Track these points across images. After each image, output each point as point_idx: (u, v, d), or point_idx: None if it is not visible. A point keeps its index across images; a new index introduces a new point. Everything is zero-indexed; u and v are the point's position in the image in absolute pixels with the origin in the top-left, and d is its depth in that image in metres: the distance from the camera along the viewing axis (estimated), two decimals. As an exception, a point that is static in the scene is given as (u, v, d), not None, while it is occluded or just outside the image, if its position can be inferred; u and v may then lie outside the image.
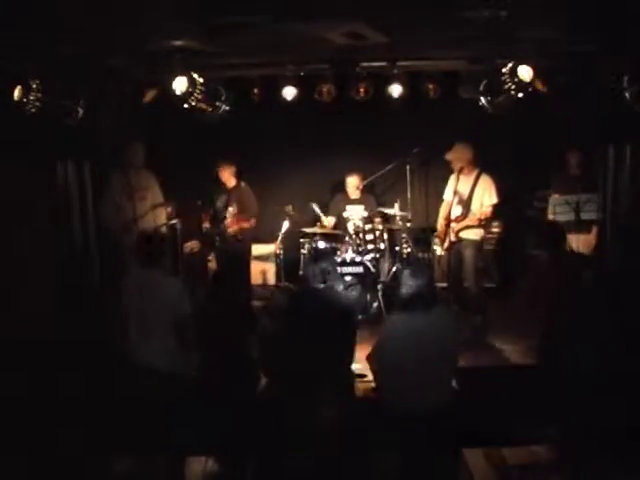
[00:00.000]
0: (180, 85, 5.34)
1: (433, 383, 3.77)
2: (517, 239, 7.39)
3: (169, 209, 6.80)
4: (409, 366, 3.74)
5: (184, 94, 5.35)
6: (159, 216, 6.36)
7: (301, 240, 7.16)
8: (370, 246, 6.78)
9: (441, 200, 6.47)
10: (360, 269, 6.54)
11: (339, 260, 6.50)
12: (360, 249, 6.71)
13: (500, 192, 6.06)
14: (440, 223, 6.38)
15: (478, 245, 6.16)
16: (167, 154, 7.07)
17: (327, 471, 3.73)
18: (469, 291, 6.17)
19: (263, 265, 7.99)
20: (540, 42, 5.04)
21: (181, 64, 5.27)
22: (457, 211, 6.15)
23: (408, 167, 6.99)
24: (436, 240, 6.99)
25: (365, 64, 6.27)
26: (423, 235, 7.59)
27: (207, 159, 6.97)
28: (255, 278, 8.00)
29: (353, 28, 4.69)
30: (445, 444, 3.84)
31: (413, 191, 7.13)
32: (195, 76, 5.37)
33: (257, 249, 7.98)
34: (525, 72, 5.05)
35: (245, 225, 6.78)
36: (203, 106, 5.78)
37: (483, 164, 6.18)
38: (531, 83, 5.10)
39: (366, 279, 6.54)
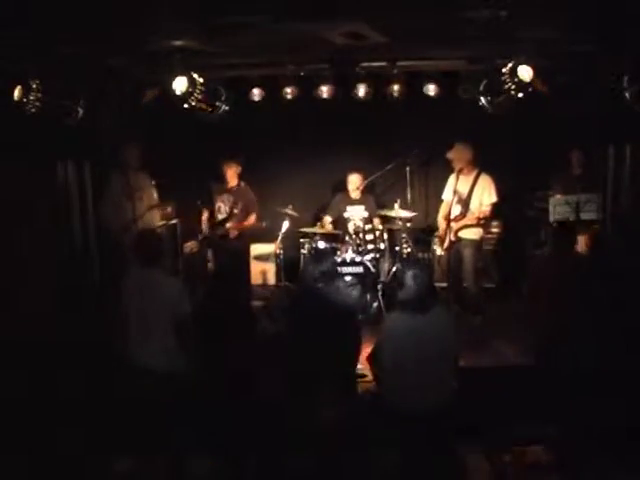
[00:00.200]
0: (180, 85, 5.34)
1: (433, 383, 3.77)
2: (517, 239, 7.40)
3: (169, 209, 6.81)
4: (409, 366, 3.74)
5: (184, 94, 5.36)
6: (154, 217, 6.36)
7: (301, 240, 7.16)
8: (370, 246, 6.78)
9: (441, 200, 6.47)
10: (360, 269, 6.53)
11: (339, 260, 6.50)
12: (360, 249, 6.71)
13: (500, 192, 6.07)
14: (440, 223, 6.39)
15: (477, 245, 6.16)
16: (167, 154, 7.07)
17: (329, 471, 3.73)
18: (469, 291, 6.18)
19: (263, 265, 7.99)
20: (540, 42, 5.04)
21: (181, 64, 5.27)
22: (456, 211, 6.15)
23: (408, 167, 6.99)
24: (436, 240, 6.99)
25: (365, 64, 6.27)
26: (423, 235, 7.59)
27: (207, 159, 6.97)
28: (255, 278, 8.00)
29: (353, 28, 4.69)
30: (445, 444, 3.85)
31: (413, 191, 7.13)
32: (195, 76, 5.37)
33: (257, 249, 7.99)
34: (525, 72, 5.05)
35: (246, 224, 6.78)
36: (203, 106, 5.77)
37: (483, 164, 6.18)
38: (531, 83, 5.10)
39: (366, 279, 6.53)
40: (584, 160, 6.31)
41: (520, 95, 5.19)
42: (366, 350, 4.08)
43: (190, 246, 7.22)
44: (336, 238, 7.04)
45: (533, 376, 4.56)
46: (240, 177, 6.87)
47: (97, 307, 5.83)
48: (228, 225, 6.70)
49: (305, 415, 3.75)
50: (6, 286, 5.15)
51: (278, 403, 3.89)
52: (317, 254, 6.53)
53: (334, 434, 3.73)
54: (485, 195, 6.00)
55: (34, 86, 4.90)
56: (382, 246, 6.88)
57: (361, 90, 6.53)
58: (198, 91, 5.39)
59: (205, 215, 6.76)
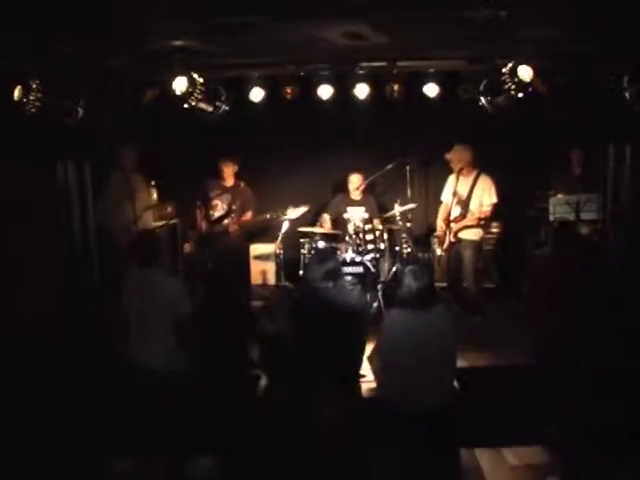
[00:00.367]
0: (180, 85, 5.34)
1: (433, 383, 3.77)
2: (517, 239, 7.40)
3: (169, 209, 6.80)
4: (409, 366, 3.74)
5: (184, 94, 5.36)
6: (153, 217, 6.36)
7: (301, 240, 7.16)
8: (370, 246, 6.78)
9: (440, 200, 6.47)
10: (360, 269, 6.53)
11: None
12: (360, 249, 6.71)
13: (499, 192, 6.06)
14: (439, 224, 6.39)
15: (477, 245, 6.16)
16: (167, 154, 7.08)
17: (331, 471, 3.74)
18: (468, 291, 6.18)
19: (263, 265, 7.99)
20: (540, 42, 5.04)
21: (181, 64, 5.27)
22: (456, 211, 6.15)
23: (408, 167, 6.99)
24: (435, 240, 6.99)
25: (365, 64, 6.27)
26: (423, 235, 7.59)
27: (207, 159, 6.97)
28: (255, 278, 7.99)
29: (353, 28, 4.69)
30: (445, 444, 3.85)
31: (413, 191, 7.12)
32: (195, 76, 5.37)
33: (257, 249, 7.98)
34: (525, 72, 5.05)
35: (245, 219, 6.77)
36: (203, 106, 5.78)
37: (483, 164, 6.18)
38: (531, 83, 5.10)
39: (366, 279, 6.53)
40: (584, 160, 6.31)
41: (520, 95, 5.19)
42: (367, 350, 4.08)
43: (189, 246, 7.22)
44: (336, 238, 7.04)
45: (533, 376, 4.56)
46: (237, 176, 6.86)
47: (97, 307, 5.82)
48: (226, 222, 6.69)
49: (309, 415, 3.75)
50: (6, 286, 5.15)
51: (281, 403, 3.89)
52: (322, 254, 6.53)
53: (338, 434, 3.72)
54: (485, 196, 6.00)
55: (34, 86, 4.90)
56: (382, 246, 6.88)
57: (361, 90, 6.53)
58: (198, 91, 5.39)
59: (202, 214, 6.74)
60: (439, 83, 6.50)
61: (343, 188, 7.32)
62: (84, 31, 4.44)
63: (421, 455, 3.80)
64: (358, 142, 7.52)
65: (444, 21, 4.51)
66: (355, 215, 7.06)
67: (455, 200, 6.15)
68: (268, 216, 6.80)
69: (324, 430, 3.72)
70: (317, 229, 7.10)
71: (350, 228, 6.88)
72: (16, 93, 4.90)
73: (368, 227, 6.83)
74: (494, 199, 6.00)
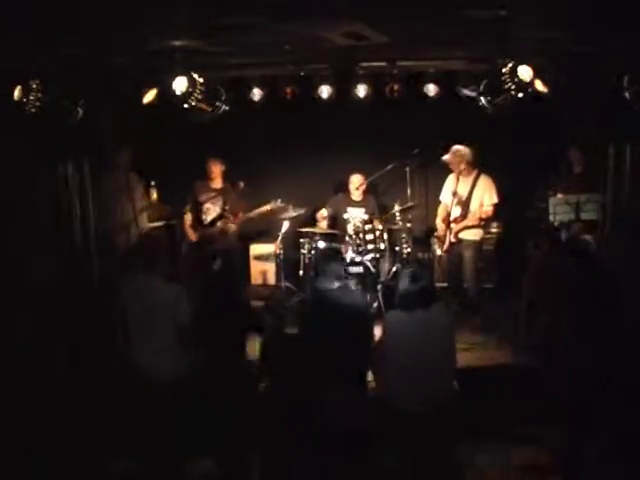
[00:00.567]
0: (180, 85, 5.34)
1: (433, 383, 3.77)
2: (517, 239, 7.39)
3: (168, 209, 6.80)
4: (409, 366, 3.74)
5: (184, 94, 5.36)
6: (151, 218, 6.36)
7: (301, 240, 7.16)
8: (370, 246, 6.77)
9: (440, 201, 6.48)
10: (360, 269, 6.54)
11: (339, 260, 6.49)
12: (360, 249, 6.71)
13: (499, 192, 6.07)
14: (439, 224, 6.39)
15: (478, 246, 6.17)
16: (166, 154, 7.08)
17: (332, 471, 3.74)
18: (469, 291, 6.18)
19: (263, 265, 7.99)
20: (540, 42, 5.04)
21: (181, 64, 5.27)
22: (456, 212, 6.15)
23: (408, 167, 6.99)
24: (435, 241, 6.99)
25: (365, 64, 6.27)
26: (423, 235, 7.59)
27: (207, 159, 6.96)
28: (255, 278, 8.00)
29: (353, 28, 4.69)
30: (445, 444, 3.85)
31: (413, 191, 7.12)
32: (195, 76, 5.37)
33: (257, 249, 7.99)
34: (525, 72, 5.05)
35: (243, 218, 6.78)
36: (203, 106, 5.78)
37: (483, 164, 6.18)
38: (531, 83, 5.10)
39: (366, 279, 6.53)
40: (584, 160, 6.30)
41: (520, 95, 5.19)
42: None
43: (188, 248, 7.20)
44: (336, 238, 7.04)
45: (533, 376, 4.56)
46: (225, 175, 6.84)
47: (97, 307, 5.82)
48: (220, 223, 6.68)
49: (317, 415, 3.75)
50: (6, 286, 5.15)
51: (285, 403, 3.90)
52: (327, 254, 6.52)
53: (346, 434, 3.73)
54: (486, 196, 6.00)
55: (34, 86, 4.90)
56: (382, 246, 6.88)
57: (361, 90, 6.53)
58: (198, 91, 5.39)
59: (189, 220, 6.72)
60: (439, 83, 6.50)
61: (343, 188, 7.32)
62: (84, 31, 4.44)
63: (421, 455, 3.80)
64: (358, 142, 7.52)
65: (444, 21, 4.51)
66: (355, 215, 7.07)
67: (455, 200, 6.15)
68: (269, 207, 6.77)
69: (332, 430, 3.72)
70: (317, 229, 7.11)
71: (350, 228, 6.88)
72: (16, 93, 4.90)
73: (368, 227, 6.83)
74: (495, 199, 6.00)
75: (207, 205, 6.72)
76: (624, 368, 4.21)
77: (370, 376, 4.26)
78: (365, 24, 4.59)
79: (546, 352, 4.51)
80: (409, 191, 7.03)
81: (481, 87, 5.71)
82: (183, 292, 4.02)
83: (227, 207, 6.67)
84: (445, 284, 6.59)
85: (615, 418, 4.12)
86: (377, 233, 6.84)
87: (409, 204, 6.90)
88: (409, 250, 7.04)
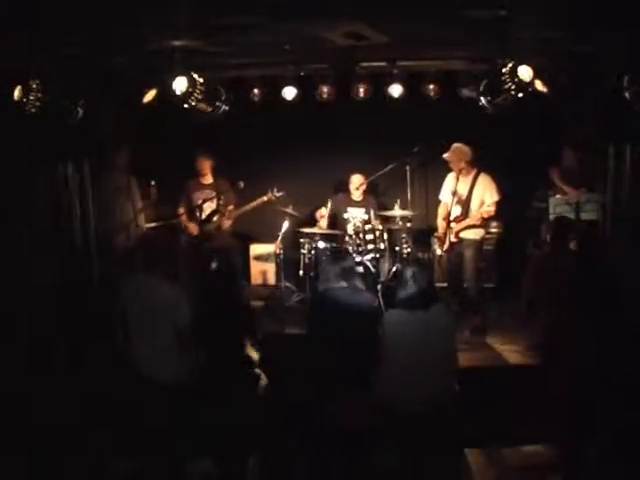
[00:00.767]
0: (180, 85, 5.34)
1: (433, 382, 3.77)
2: (517, 239, 7.39)
3: (167, 209, 6.80)
4: (409, 366, 3.74)
5: (184, 94, 5.36)
6: (150, 218, 6.36)
7: (301, 240, 7.16)
8: (370, 246, 6.77)
9: (439, 200, 6.48)
10: (360, 269, 6.53)
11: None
12: (360, 249, 6.71)
13: (499, 192, 6.06)
14: (440, 224, 6.39)
15: (478, 245, 6.17)
16: (166, 154, 7.08)
17: (334, 471, 3.74)
18: (469, 291, 6.18)
19: (263, 265, 8.00)
20: (540, 42, 5.04)
21: (181, 64, 5.27)
22: (457, 211, 6.15)
23: (408, 167, 6.98)
24: (435, 240, 6.99)
25: (365, 64, 6.27)
26: (423, 235, 7.59)
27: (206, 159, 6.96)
28: (255, 278, 8.00)
29: (353, 28, 4.69)
30: (445, 444, 3.85)
31: (413, 191, 7.11)
32: (195, 76, 5.37)
33: (257, 249, 7.99)
34: (525, 72, 5.05)
35: (237, 211, 6.78)
36: (203, 106, 5.78)
37: (483, 164, 6.18)
38: (531, 83, 5.10)
39: (366, 279, 6.53)
40: (584, 160, 6.30)
41: (520, 95, 5.19)
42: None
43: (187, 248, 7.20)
44: (336, 238, 7.04)
45: (533, 376, 4.56)
46: (214, 171, 6.84)
47: (97, 307, 5.82)
48: (216, 219, 6.67)
49: (326, 416, 3.75)
50: (6, 286, 5.15)
51: (291, 403, 3.90)
52: (337, 254, 6.53)
53: (355, 434, 3.73)
54: (487, 195, 6.00)
55: (34, 86, 4.90)
56: (382, 246, 6.88)
57: (361, 90, 6.52)
58: (198, 91, 5.39)
59: (185, 219, 6.72)
60: (438, 83, 6.50)
61: (344, 188, 7.32)
62: (84, 31, 4.44)
63: (421, 455, 3.80)
64: (358, 142, 7.52)
65: (444, 21, 4.51)
66: (355, 215, 7.07)
67: (455, 200, 6.15)
68: (265, 198, 6.76)
69: (341, 430, 3.73)
70: (317, 229, 7.11)
71: (350, 228, 6.88)
72: (16, 93, 4.91)
73: (368, 227, 6.83)
74: (496, 197, 5.99)
75: (201, 202, 6.71)
76: (624, 368, 4.21)
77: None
78: (365, 24, 4.59)
79: (546, 352, 4.52)
80: (409, 191, 7.03)
81: (481, 87, 5.71)
82: (183, 292, 4.02)
83: (221, 202, 6.68)
84: (445, 284, 6.59)
85: (615, 418, 4.12)
86: (377, 233, 6.84)
87: (407, 213, 6.90)
88: (409, 250, 7.04)
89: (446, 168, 6.33)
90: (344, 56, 5.87)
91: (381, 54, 5.99)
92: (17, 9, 3.74)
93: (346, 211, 7.16)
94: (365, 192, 7.21)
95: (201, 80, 5.40)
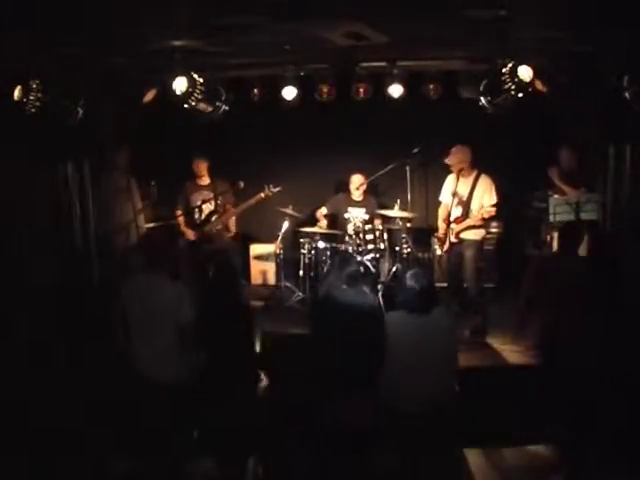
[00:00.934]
0: (180, 85, 5.34)
1: (434, 382, 3.76)
2: (517, 239, 7.39)
3: (167, 209, 6.80)
4: (409, 366, 3.74)
5: (184, 94, 5.36)
6: (144, 219, 6.37)
7: (301, 240, 7.17)
8: (370, 246, 6.78)
9: (440, 201, 6.48)
10: (360, 269, 6.53)
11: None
12: (360, 249, 6.71)
13: (499, 192, 6.06)
14: (440, 225, 6.39)
15: (479, 245, 6.17)
16: (166, 154, 7.08)
17: (335, 471, 3.74)
18: (469, 291, 6.18)
19: (263, 265, 8.00)
20: (540, 42, 5.04)
21: (181, 64, 5.27)
22: (457, 212, 6.15)
23: (408, 167, 6.99)
24: (436, 241, 6.99)
25: (365, 64, 6.27)
26: (423, 235, 7.59)
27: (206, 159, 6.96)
28: (255, 278, 8.01)
29: (353, 28, 4.69)
30: (445, 444, 3.85)
31: (413, 191, 7.12)
32: (195, 76, 5.37)
33: (257, 249, 7.99)
34: (525, 72, 5.04)
35: (235, 212, 6.78)
36: (203, 106, 5.78)
37: (483, 165, 6.18)
38: (531, 83, 5.10)
39: (366, 279, 6.53)
40: (583, 160, 6.30)
41: (520, 95, 5.19)
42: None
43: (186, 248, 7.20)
44: (336, 238, 7.04)
45: (533, 376, 4.56)
46: (210, 172, 6.84)
47: (97, 307, 5.82)
48: (214, 219, 6.67)
49: (327, 416, 3.75)
50: (6, 286, 5.15)
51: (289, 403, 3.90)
52: (343, 256, 6.53)
53: (359, 435, 3.73)
54: (486, 197, 6.00)
55: (34, 86, 4.90)
56: (382, 246, 6.88)
57: (361, 90, 6.52)
58: (198, 91, 5.39)
59: (184, 221, 6.71)
60: (438, 83, 6.50)
61: (344, 188, 7.32)
62: (84, 31, 4.44)
63: (421, 455, 3.80)
64: (358, 142, 7.52)
65: (444, 21, 4.51)
66: (355, 215, 7.07)
67: (455, 201, 6.15)
68: (263, 195, 6.75)
69: (341, 431, 3.73)
70: (317, 229, 7.11)
71: (350, 228, 6.89)
72: (16, 93, 4.90)
73: (368, 227, 6.84)
74: (494, 199, 6.00)
75: (199, 203, 6.73)
76: (624, 368, 4.21)
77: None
78: (365, 24, 4.59)
79: (545, 352, 4.52)
80: (409, 191, 7.04)
81: (481, 87, 5.71)
82: (183, 292, 4.02)
83: (219, 202, 6.68)
84: (445, 284, 6.59)
85: (615, 418, 4.12)
86: (377, 233, 6.84)
87: (406, 214, 6.91)
88: (409, 250, 7.05)
89: (446, 168, 6.33)
90: (344, 56, 5.87)
91: (381, 54, 5.98)
92: (17, 9, 3.73)
93: (346, 211, 7.17)
94: (365, 192, 7.21)
95: (201, 80, 5.40)
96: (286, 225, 7.14)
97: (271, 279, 7.93)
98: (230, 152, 7.28)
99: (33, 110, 4.94)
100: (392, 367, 3.79)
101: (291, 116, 7.14)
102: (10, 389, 4.54)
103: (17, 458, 4.14)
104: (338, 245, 6.87)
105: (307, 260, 7.06)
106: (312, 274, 7.02)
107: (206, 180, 6.83)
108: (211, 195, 6.67)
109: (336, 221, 7.27)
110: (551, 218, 5.95)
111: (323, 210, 7.28)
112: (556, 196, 6.14)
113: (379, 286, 6.68)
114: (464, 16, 4.26)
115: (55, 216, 5.93)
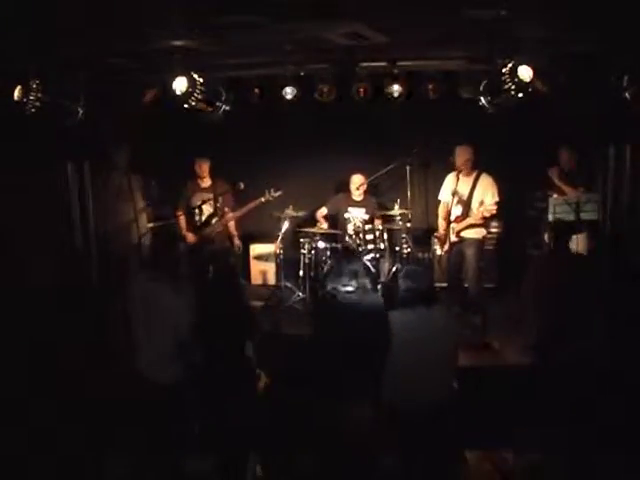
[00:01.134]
0: (180, 85, 5.34)
1: (434, 382, 3.77)
2: (517, 239, 7.39)
3: (168, 209, 6.80)
4: (409, 366, 3.74)
5: (184, 94, 5.36)
6: (144, 219, 6.36)
7: (301, 240, 7.17)
8: (370, 246, 6.78)
9: (439, 200, 6.48)
10: (362, 268, 6.52)
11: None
12: (360, 249, 6.71)
13: (500, 192, 6.07)
14: (440, 224, 6.39)
15: (480, 244, 6.18)
16: (166, 154, 7.08)
17: (336, 471, 3.74)
18: (469, 291, 6.18)
19: (263, 265, 8.00)
20: (540, 42, 5.04)
21: (181, 64, 5.27)
22: (457, 211, 6.16)
23: (408, 167, 6.99)
24: (436, 240, 7.00)
25: (365, 64, 6.27)
26: (423, 235, 7.59)
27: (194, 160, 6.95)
28: (255, 278, 8.01)
29: (353, 28, 4.69)
30: (445, 444, 3.85)
31: (413, 191, 7.13)
32: (195, 76, 5.37)
33: (257, 249, 7.99)
34: (525, 72, 5.05)
35: (236, 214, 6.77)
36: (203, 106, 5.78)
37: (483, 164, 6.18)
38: (531, 83, 5.10)
39: (367, 278, 6.52)
40: (583, 160, 6.30)
41: (520, 95, 5.19)
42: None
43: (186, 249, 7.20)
44: (336, 238, 7.04)
45: (533, 376, 4.56)
46: (212, 172, 6.84)
47: (96, 308, 5.83)
48: (214, 221, 6.67)
49: (335, 417, 3.75)
50: (6, 286, 5.15)
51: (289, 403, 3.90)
52: (345, 255, 6.54)
53: (363, 436, 3.73)
54: (488, 195, 6.01)
55: (34, 86, 4.90)
56: (382, 246, 6.88)
57: (361, 90, 6.52)
58: (198, 91, 5.39)
59: (184, 222, 6.70)
60: (438, 83, 6.50)
61: (344, 188, 7.32)
62: (84, 31, 4.44)
63: (421, 456, 3.80)
64: (358, 142, 7.52)
65: (444, 21, 4.51)
66: (355, 215, 7.07)
67: (456, 200, 6.16)
68: (263, 199, 6.76)
69: (350, 432, 3.73)
70: (317, 229, 7.11)
71: (350, 228, 6.89)
72: (16, 93, 4.90)
73: (368, 227, 6.84)
74: (496, 197, 6.00)
75: (200, 204, 6.72)
76: (624, 368, 4.21)
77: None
78: (365, 24, 4.59)
79: (545, 352, 4.52)
80: (409, 191, 7.04)
81: (481, 87, 5.71)
82: (184, 292, 4.02)
83: (219, 204, 6.68)
84: (445, 284, 6.59)
85: (615, 418, 4.12)
86: (377, 233, 6.84)
87: (409, 214, 6.90)
88: (409, 250, 7.05)
89: (447, 168, 6.33)
90: (344, 56, 5.87)
91: (381, 54, 5.98)
92: (17, 9, 3.73)
93: (347, 211, 7.17)
94: (365, 192, 7.21)
95: (201, 80, 5.40)
96: (286, 225, 7.14)
97: (271, 279, 7.93)
98: (230, 152, 7.28)
99: (33, 110, 4.94)
100: (392, 367, 3.79)
101: (291, 116, 7.15)
102: (10, 389, 4.54)
103: (17, 457, 4.14)
104: (338, 245, 6.87)
105: (307, 260, 7.06)
106: (312, 274, 7.02)
107: (207, 182, 6.82)
108: (211, 196, 6.66)
109: (336, 221, 7.27)
110: (550, 218, 5.95)
111: (323, 210, 7.28)
112: (556, 196, 6.14)
113: (379, 286, 6.67)
114: (464, 16, 4.26)
115: (55, 216, 5.93)
